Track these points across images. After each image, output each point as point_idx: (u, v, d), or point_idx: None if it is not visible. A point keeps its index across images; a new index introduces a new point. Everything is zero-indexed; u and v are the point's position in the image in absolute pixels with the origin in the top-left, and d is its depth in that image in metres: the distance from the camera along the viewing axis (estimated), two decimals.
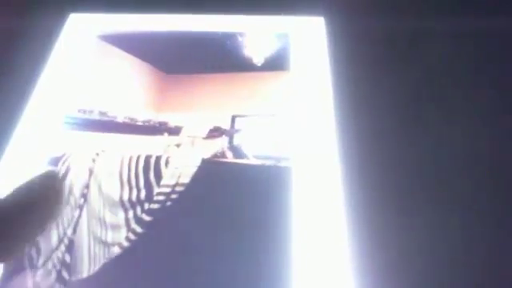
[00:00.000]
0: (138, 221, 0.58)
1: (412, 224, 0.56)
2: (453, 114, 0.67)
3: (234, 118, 0.67)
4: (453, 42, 0.74)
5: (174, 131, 0.68)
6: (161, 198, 0.59)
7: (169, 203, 0.59)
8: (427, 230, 0.56)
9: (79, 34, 0.78)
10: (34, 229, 0.30)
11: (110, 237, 0.57)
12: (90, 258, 0.55)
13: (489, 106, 0.67)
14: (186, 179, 0.61)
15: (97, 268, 0.54)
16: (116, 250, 0.55)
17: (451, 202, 0.58)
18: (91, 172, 0.63)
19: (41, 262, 0.55)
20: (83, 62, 0.75)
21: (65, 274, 0.54)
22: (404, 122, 0.66)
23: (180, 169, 0.62)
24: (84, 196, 0.60)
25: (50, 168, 0.33)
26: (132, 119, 0.69)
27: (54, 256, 0.56)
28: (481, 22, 0.75)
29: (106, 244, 0.56)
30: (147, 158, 0.63)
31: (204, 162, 0.63)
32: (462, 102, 0.68)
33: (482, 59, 0.72)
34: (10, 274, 0.54)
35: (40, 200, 0.30)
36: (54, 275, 0.54)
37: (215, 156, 0.64)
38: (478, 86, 0.69)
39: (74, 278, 0.54)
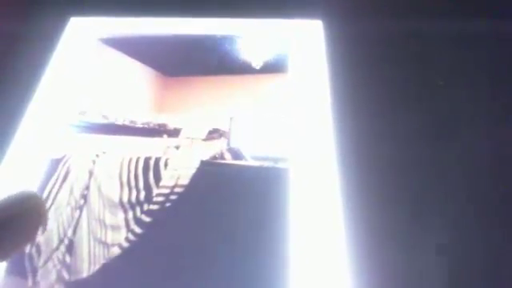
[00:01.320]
0: (138, 222, 0.58)
1: (409, 224, 0.57)
2: (451, 115, 0.67)
3: (232, 120, 0.68)
4: (450, 44, 0.75)
5: (173, 133, 0.68)
6: (160, 199, 0.60)
7: (168, 204, 0.59)
8: (424, 230, 0.56)
9: (80, 37, 0.79)
10: (9, 246, 0.30)
11: (109, 237, 0.57)
12: (90, 258, 0.55)
13: (489, 106, 0.67)
14: (185, 181, 0.61)
15: (97, 268, 0.55)
16: (116, 251, 0.56)
17: (449, 203, 0.59)
18: (91, 173, 0.63)
19: (41, 262, 0.56)
20: (84, 65, 0.76)
21: (65, 274, 0.55)
22: (402, 123, 0.66)
23: (179, 170, 0.62)
24: (84, 197, 0.61)
25: (33, 190, 0.34)
26: (132, 121, 0.70)
27: (55, 256, 0.56)
28: (477, 24, 0.76)
29: (105, 244, 0.57)
30: (146, 160, 0.64)
31: (203, 163, 0.63)
32: (461, 102, 0.68)
33: (480, 60, 0.72)
34: (11, 274, 0.54)
35: (21, 219, 0.31)
36: (54, 275, 0.54)
37: (214, 157, 0.64)
38: (477, 87, 0.70)
39: (73, 278, 0.54)
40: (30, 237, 0.32)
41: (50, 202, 0.60)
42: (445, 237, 0.56)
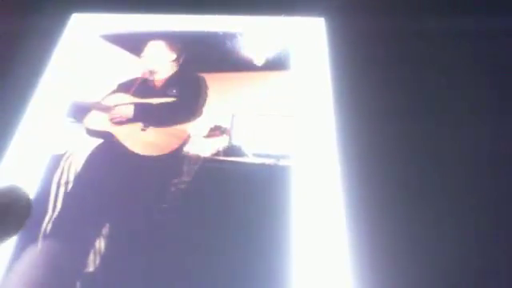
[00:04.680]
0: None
1: (410, 223, 0.57)
2: (453, 114, 0.67)
3: (234, 117, 0.68)
4: (452, 42, 0.75)
5: None
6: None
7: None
8: (425, 228, 0.57)
9: (82, 33, 0.79)
10: None
11: (112, 234, 0.57)
12: (93, 253, 0.55)
13: (489, 105, 0.68)
14: (187, 178, 0.62)
15: (98, 263, 0.55)
16: (118, 247, 0.56)
17: (450, 201, 0.59)
18: (93, 169, 0.63)
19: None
20: (85, 62, 0.76)
21: (69, 269, 0.55)
22: (403, 121, 0.66)
23: (181, 167, 0.62)
24: (86, 193, 0.61)
25: (16, 185, 0.34)
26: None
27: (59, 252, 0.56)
28: (478, 23, 0.76)
29: (108, 240, 0.57)
30: (148, 157, 0.64)
31: (205, 160, 0.63)
32: (462, 102, 0.68)
33: (481, 59, 0.72)
34: (19, 268, 0.54)
35: (7, 210, 0.32)
36: (58, 270, 0.55)
37: (216, 155, 0.64)
38: (478, 86, 0.70)
39: (77, 273, 0.54)
40: (17, 227, 0.32)
41: (53, 197, 0.60)
42: (446, 236, 0.56)
